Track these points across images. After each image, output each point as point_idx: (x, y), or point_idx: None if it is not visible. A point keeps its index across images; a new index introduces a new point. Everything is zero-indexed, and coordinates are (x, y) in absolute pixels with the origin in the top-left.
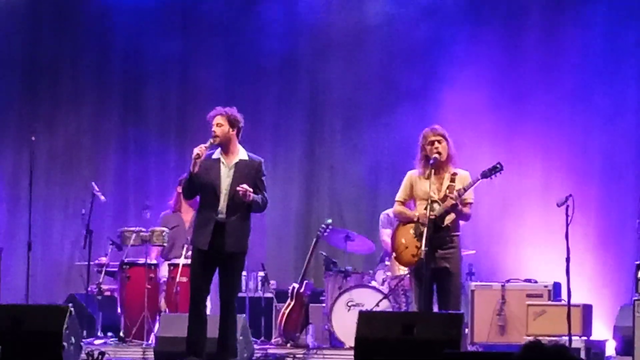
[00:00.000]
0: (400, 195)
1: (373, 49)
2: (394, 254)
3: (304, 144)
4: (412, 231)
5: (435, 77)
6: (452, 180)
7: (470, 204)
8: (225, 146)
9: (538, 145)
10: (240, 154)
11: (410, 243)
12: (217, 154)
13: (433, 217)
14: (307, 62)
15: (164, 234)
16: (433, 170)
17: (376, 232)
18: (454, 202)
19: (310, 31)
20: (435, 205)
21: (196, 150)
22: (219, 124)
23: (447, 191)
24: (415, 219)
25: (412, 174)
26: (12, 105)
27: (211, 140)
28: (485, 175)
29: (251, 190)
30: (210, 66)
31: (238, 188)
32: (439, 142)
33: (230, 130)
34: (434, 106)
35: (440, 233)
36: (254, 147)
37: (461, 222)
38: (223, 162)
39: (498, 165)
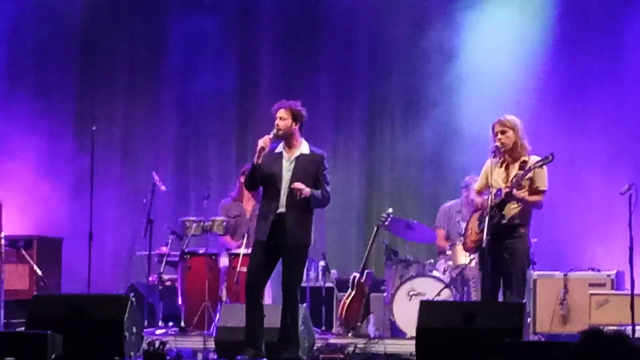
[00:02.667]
0: (477, 185)
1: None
2: (461, 240)
3: (364, 132)
4: (477, 218)
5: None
6: (521, 168)
7: (543, 191)
8: (287, 140)
9: (602, 131)
10: (302, 147)
11: (474, 229)
12: (280, 147)
13: (492, 205)
14: (367, 50)
15: (224, 223)
16: (503, 160)
17: None
18: (508, 190)
19: (371, 20)
20: (499, 195)
21: (261, 143)
22: (282, 118)
23: (513, 181)
24: (479, 207)
25: (488, 163)
26: (71, 92)
27: (274, 132)
28: (537, 165)
29: (303, 187)
30: (270, 54)
31: (292, 186)
32: (502, 132)
33: (294, 124)
34: (495, 94)
35: (499, 221)
36: (314, 136)
37: (532, 210)
38: (285, 156)
39: (549, 156)
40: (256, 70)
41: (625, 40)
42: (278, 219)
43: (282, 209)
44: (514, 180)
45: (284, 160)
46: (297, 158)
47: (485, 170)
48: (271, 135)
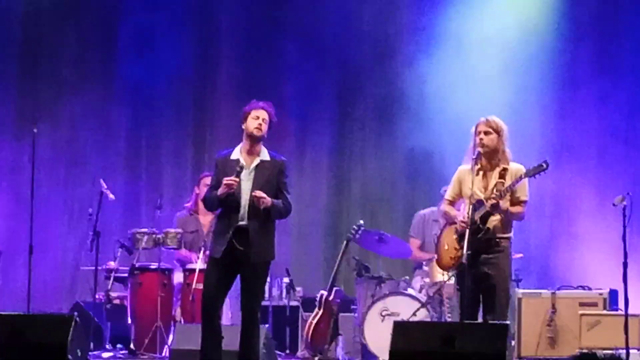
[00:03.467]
0: (448, 193)
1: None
2: (435, 257)
3: (333, 135)
4: (454, 232)
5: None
6: (502, 176)
7: (524, 202)
8: (253, 144)
9: (593, 138)
10: (262, 153)
11: (451, 245)
12: (236, 153)
13: (473, 218)
14: (337, 45)
15: (178, 235)
16: (480, 166)
17: None
18: (494, 202)
19: (340, 13)
20: (481, 207)
21: (226, 187)
22: (265, 120)
23: (495, 189)
24: (456, 220)
25: (462, 170)
26: (10, 91)
27: (248, 140)
28: (529, 174)
29: (265, 196)
30: (230, 54)
31: (254, 194)
32: (486, 133)
33: (267, 131)
34: (479, 96)
35: (484, 236)
36: (277, 139)
37: (513, 223)
38: (243, 164)
39: (544, 164)
40: (215, 72)
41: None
42: (238, 233)
43: (242, 222)
44: (501, 190)
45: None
46: (258, 166)
47: (458, 178)
48: (238, 179)
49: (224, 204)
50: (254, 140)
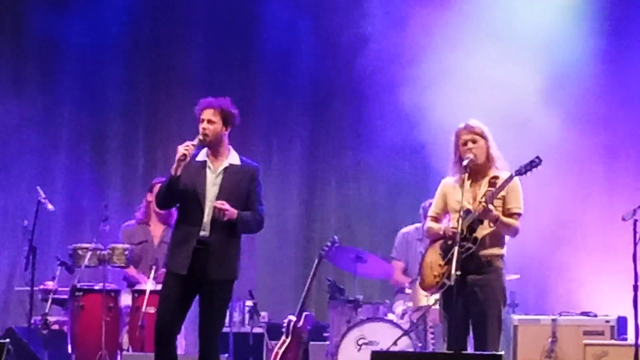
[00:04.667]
0: (432, 210)
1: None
2: (418, 279)
3: (305, 141)
4: (438, 249)
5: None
6: (492, 184)
7: (517, 214)
8: (213, 147)
9: (601, 147)
10: (232, 157)
11: (435, 262)
12: (202, 155)
13: (460, 230)
14: (310, 45)
15: (126, 252)
16: (467, 176)
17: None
18: (483, 206)
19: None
20: (468, 215)
21: (181, 150)
22: (211, 121)
23: (484, 198)
24: (442, 233)
25: (446, 183)
26: None
27: (200, 137)
28: (521, 172)
29: (227, 208)
30: (189, 47)
31: (214, 204)
32: (473, 141)
33: (224, 128)
34: (468, 97)
35: (471, 248)
36: (242, 145)
37: (506, 238)
38: (209, 167)
39: (536, 160)
40: (171, 67)
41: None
42: (200, 246)
43: (204, 233)
44: (488, 194)
45: (208, 172)
46: (226, 169)
47: (442, 191)
48: (195, 142)
49: (182, 208)
50: (208, 145)
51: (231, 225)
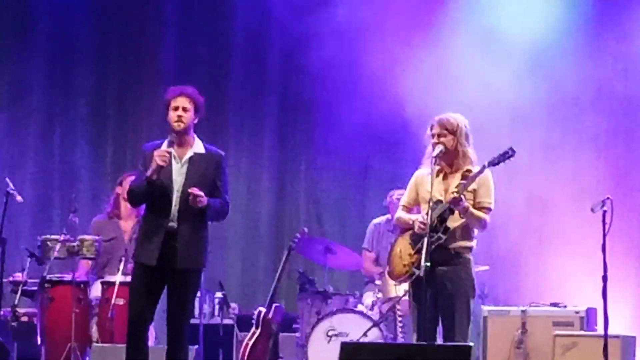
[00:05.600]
0: (403, 199)
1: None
2: (387, 268)
3: (275, 130)
4: (408, 238)
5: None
6: (464, 177)
7: (488, 208)
8: (181, 135)
9: (569, 134)
10: (196, 145)
11: (405, 251)
12: (165, 144)
13: (430, 221)
14: (281, 29)
15: (95, 244)
16: (440, 169)
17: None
18: (455, 196)
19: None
20: (439, 206)
21: (159, 161)
22: (185, 109)
23: (456, 190)
24: (411, 223)
25: (419, 174)
26: None
27: (175, 126)
28: (493, 162)
29: (201, 194)
30: (159, 35)
31: (189, 191)
32: (440, 135)
33: (194, 117)
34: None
35: (441, 238)
36: (211, 135)
37: (475, 231)
38: (174, 156)
39: (509, 151)
40: (141, 56)
41: None
42: (168, 236)
43: (172, 224)
44: (461, 185)
45: (173, 162)
46: (191, 158)
47: (415, 182)
48: (170, 149)
49: (150, 200)
50: (179, 133)
51: (199, 215)
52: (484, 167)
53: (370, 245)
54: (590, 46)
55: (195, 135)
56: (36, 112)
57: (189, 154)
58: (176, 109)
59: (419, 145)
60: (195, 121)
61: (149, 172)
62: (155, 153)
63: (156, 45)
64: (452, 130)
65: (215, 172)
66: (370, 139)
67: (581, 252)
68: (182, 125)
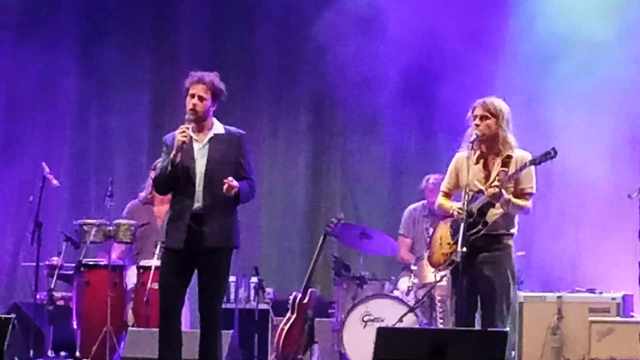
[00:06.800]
0: (444, 185)
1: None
2: (426, 253)
3: (310, 115)
4: (449, 227)
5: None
6: (505, 164)
7: (530, 194)
8: (199, 122)
9: (605, 118)
10: (216, 127)
11: (445, 239)
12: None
13: (471, 211)
14: (315, 12)
15: (132, 228)
16: (480, 153)
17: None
18: (495, 191)
19: None
20: (480, 197)
21: (180, 137)
22: (201, 97)
23: (497, 179)
24: (451, 212)
25: (459, 157)
26: None
27: (188, 117)
28: (535, 162)
29: (237, 184)
30: (193, 20)
31: (225, 180)
32: (482, 118)
33: (212, 105)
34: (477, 73)
35: (481, 230)
36: (248, 120)
37: (517, 217)
38: (195, 139)
39: (551, 151)
40: (175, 40)
41: None
42: (195, 218)
43: (198, 204)
44: (503, 178)
45: (194, 144)
46: (211, 139)
47: (455, 167)
48: (188, 125)
49: (176, 185)
50: (195, 120)
51: (224, 195)
52: (524, 166)
53: (406, 231)
54: None
55: (214, 119)
56: (72, 96)
57: (209, 135)
58: (193, 96)
59: (455, 128)
60: (213, 108)
61: (172, 153)
62: (176, 132)
63: (190, 31)
64: (494, 114)
65: (238, 152)
66: (406, 125)
67: (618, 238)
68: (194, 115)
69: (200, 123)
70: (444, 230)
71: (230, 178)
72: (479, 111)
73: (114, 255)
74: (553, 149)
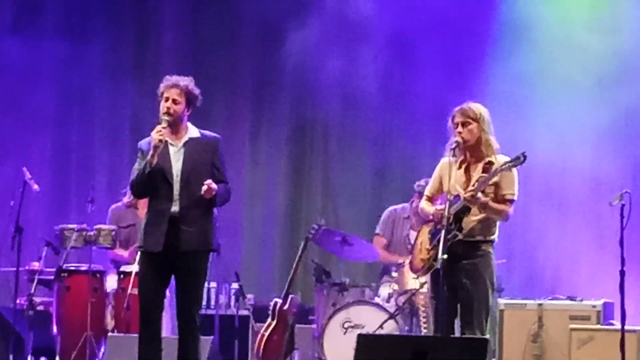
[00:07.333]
0: (427, 189)
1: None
2: (409, 258)
3: (292, 121)
4: (428, 231)
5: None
6: (485, 170)
7: (510, 200)
8: (173, 126)
9: (588, 127)
10: (191, 131)
11: (424, 244)
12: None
13: (448, 216)
14: (295, 20)
15: (113, 233)
16: (463, 159)
17: None
18: (472, 194)
19: None
20: (457, 201)
21: (157, 137)
22: (176, 101)
23: (476, 184)
24: (430, 217)
25: (443, 163)
26: None
27: (165, 119)
28: (504, 167)
29: (216, 187)
30: (175, 27)
31: (205, 184)
32: (463, 124)
33: (186, 109)
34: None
35: (458, 236)
36: (229, 126)
37: (497, 224)
38: (171, 143)
39: (521, 156)
40: (157, 48)
41: None
42: (172, 222)
43: (175, 208)
44: (477, 183)
45: (170, 148)
46: (187, 143)
47: (439, 172)
48: (164, 124)
49: (152, 188)
50: (170, 123)
51: (202, 197)
52: (495, 171)
53: (382, 230)
54: None
55: (188, 123)
56: (53, 101)
57: (185, 139)
58: (167, 99)
59: (437, 137)
60: (188, 113)
61: (150, 154)
62: (152, 132)
63: (172, 38)
64: (475, 118)
65: (213, 156)
66: (387, 132)
67: (599, 246)
68: (168, 117)
69: (175, 127)
70: (424, 235)
71: (209, 180)
72: (459, 118)
73: (126, 254)
74: (523, 153)
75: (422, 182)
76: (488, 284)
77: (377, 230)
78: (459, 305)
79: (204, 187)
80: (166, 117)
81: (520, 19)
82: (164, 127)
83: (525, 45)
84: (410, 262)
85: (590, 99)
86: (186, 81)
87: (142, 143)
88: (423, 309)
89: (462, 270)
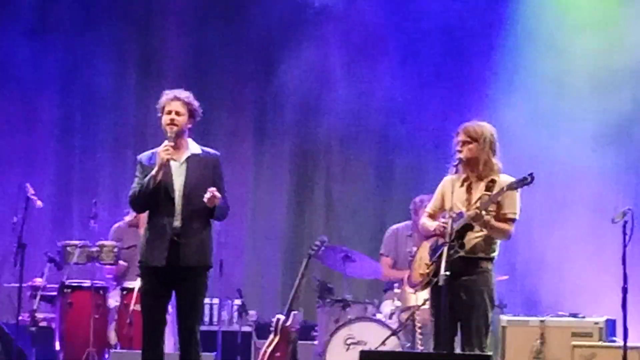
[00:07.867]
0: (429, 206)
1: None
2: (407, 273)
3: (295, 138)
4: (429, 247)
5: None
6: (488, 188)
7: (512, 219)
8: (176, 139)
9: (589, 144)
10: (192, 147)
11: (424, 260)
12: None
13: (451, 232)
14: (299, 37)
15: (115, 249)
16: (466, 177)
17: None
18: (476, 212)
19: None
20: (460, 218)
21: (164, 155)
22: (179, 113)
23: (478, 202)
24: (432, 231)
25: (446, 180)
26: None
27: (170, 134)
28: (512, 187)
29: (218, 195)
30: (179, 41)
31: (209, 190)
32: (464, 143)
33: (189, 121)
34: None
35: (460, 253)
36: (233, 143)
37: (498, 242)
38: (173, 158)
39: (528, 177)
40: (161, 62)
41: None
42: (173, 237)
43: (177, 223)
44: (480, 201)
45: (172, 163)
46: (189, 159)
47: (442, 189)
48: (172, 143)
49: (153, 203)
50: (175, 136)
51: (203, 213)
52: (502, 190)
53: (387, 250)
54: None
55: (189, 139)
56: (56, 117)
57: (186, 154)
58: (169, 112)
59: (440, 154)
60: (189, 126)
61: (155, 170)
62: (159, 150)
63: (176, 53)
64: (475, 138)
65: (214, 172)
66: (390, 148)
67: (601, 263)
68: (174, 128)
69: (177, 140)
70: (424, 251)
71: (213, 188)
72: (461, 137)
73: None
74: (530, 174)
75: (416, 200)
76: (487, 301)
77: (382, 251)
78: (458, 322)
79: (207, 195)
80: (171, 129)
81: (527, 31)
82: (171, 145)
83: (531, 59)
84: (408, 277)
85: (593, 117)
86: (186, 94)
87: (142, 157)
88: (419, 324)
89: (461, 286)
